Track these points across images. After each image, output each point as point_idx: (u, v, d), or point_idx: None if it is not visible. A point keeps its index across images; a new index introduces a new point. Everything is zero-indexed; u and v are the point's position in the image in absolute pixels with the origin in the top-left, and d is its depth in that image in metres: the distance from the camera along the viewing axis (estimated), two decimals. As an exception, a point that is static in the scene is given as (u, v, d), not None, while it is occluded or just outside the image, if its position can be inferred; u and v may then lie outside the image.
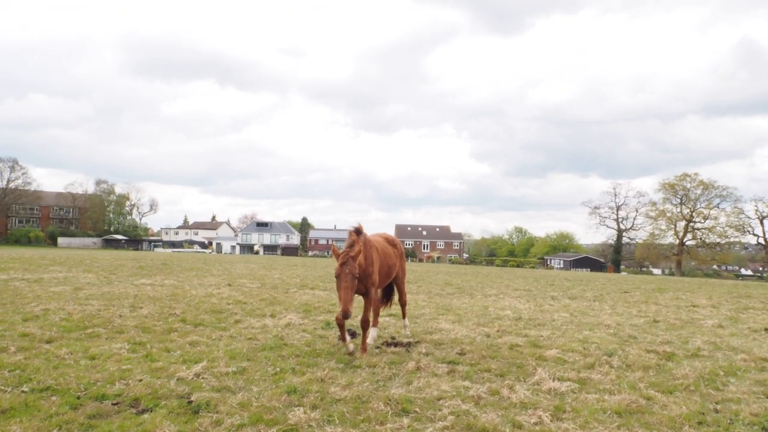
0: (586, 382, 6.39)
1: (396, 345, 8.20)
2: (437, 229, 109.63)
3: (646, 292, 22.95)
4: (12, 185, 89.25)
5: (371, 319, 7.70)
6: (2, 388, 5.21)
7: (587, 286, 27.19)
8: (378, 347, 8.02)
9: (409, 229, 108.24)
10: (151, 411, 4.81)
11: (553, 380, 6.30)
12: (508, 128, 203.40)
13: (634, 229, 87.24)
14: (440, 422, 4.82)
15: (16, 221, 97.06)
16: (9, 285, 14.76)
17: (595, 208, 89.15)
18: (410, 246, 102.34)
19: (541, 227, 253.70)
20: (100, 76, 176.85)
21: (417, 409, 5.14)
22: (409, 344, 8.27)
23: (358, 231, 7.30)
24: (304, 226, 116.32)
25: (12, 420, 4.39)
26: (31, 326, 8.44)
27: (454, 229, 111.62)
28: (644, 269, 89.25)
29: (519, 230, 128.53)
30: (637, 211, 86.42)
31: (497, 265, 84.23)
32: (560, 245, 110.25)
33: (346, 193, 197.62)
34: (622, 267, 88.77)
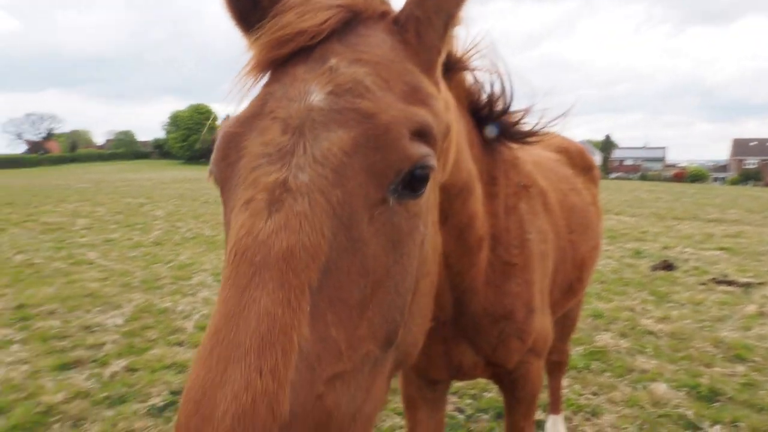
0: None
1: (729, 284, 6.94)
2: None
3: None
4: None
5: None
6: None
7: None
8: (704, 284, 6.97)
9: (752, 144, 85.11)
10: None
11: None
12: None
13: None
14: (793, 379, 3.99)
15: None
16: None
17: None
18: (755, 165, 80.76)
19: None
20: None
21: (757, 359, 4.37)
22: (748, 285, 6.88)
23: None
24: (606, 145, 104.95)
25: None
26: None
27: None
28: None
29: None
30: None
31: None
32: None
33: (660, 104, 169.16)
34: None
